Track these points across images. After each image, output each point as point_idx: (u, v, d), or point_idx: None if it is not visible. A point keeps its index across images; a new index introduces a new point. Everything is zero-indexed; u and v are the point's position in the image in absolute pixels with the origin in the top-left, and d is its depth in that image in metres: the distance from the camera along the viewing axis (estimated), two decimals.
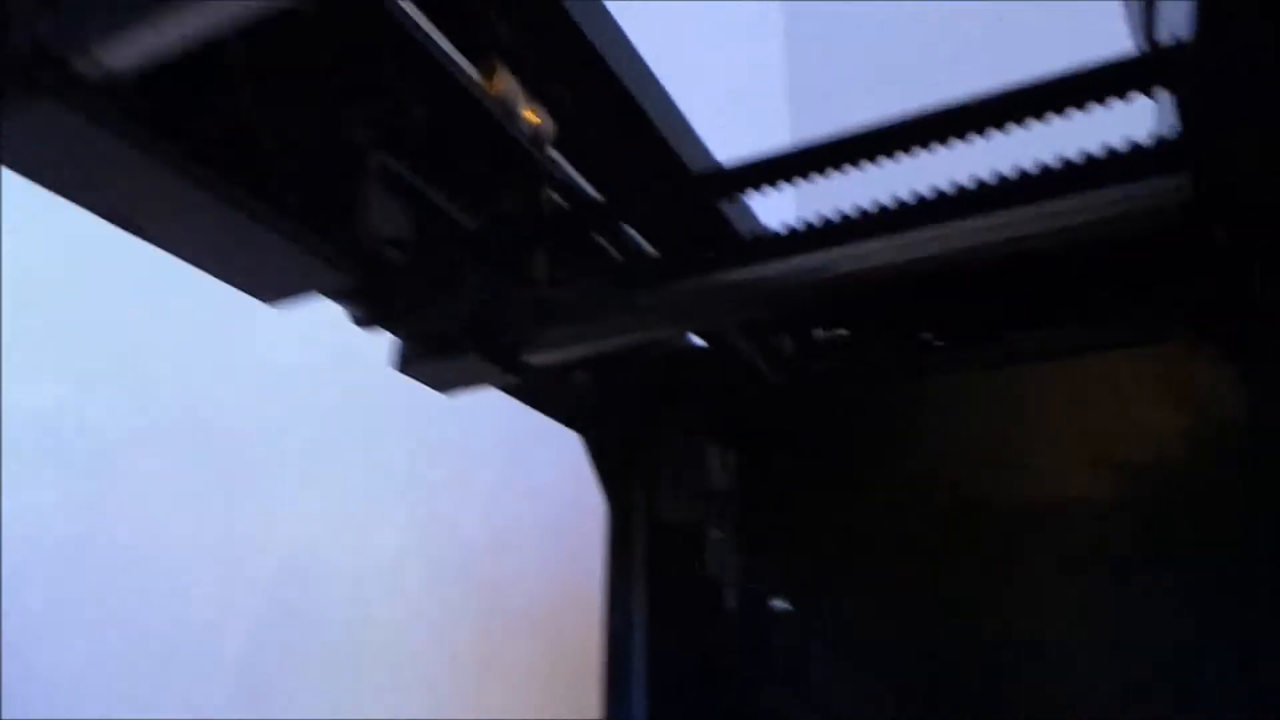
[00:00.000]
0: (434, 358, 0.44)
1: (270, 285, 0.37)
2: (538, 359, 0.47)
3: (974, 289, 0.77)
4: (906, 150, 0.43)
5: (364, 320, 0.43)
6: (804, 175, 0.45)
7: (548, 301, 0.45)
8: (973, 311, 0.79)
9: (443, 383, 0.47)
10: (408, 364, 0.45)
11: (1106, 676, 0.67)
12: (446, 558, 1.21)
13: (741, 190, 0.47)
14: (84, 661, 0.97)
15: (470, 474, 1.27)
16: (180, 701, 0.98)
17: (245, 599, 1.06)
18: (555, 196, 0.49)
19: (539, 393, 0.77)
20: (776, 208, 0.76)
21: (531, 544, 1.26)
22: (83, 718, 0.95)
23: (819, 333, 0.83)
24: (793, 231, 0.44)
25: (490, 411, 1.21)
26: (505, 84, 0.45)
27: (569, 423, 0.81)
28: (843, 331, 0.83)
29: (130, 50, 0.27)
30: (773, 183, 0.46)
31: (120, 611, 0.98)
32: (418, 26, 0.41)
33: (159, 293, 1.06)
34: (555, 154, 0.49)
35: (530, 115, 0.46)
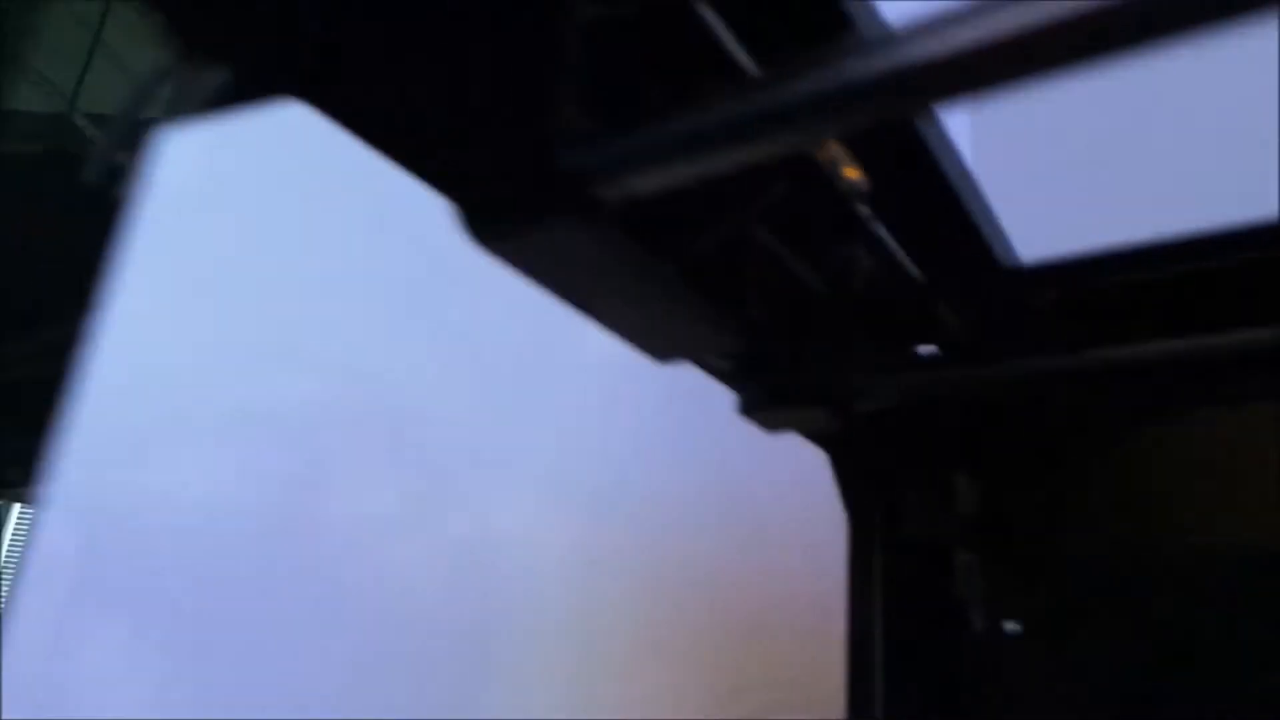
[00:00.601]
0: (777, 408, 0.49)
1: (674, 354, 0.42)
2: (863, 406, 0.51)
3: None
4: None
5: (729, 376, 0.48)
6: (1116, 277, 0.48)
7: (876, 366, 0.49)
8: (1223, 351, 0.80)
9: (777, 427, 0.52)
10: (751, 411, 0.50)
11: None
12: (630, 543, 1.28)
13: (1057, 289, 0.51)
14: (291, 621, 1.08)
15: (655, 466, 1.33)
16: (380, 664, 1.10)
17: (437, 577, 1.16)
18: (870, 261, 0.53)
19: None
20: None
21: (711, 535, 1.31)
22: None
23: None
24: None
25: (700, 419, 1.28)
26: (833, 147, 0.49)
27: (819, 442, 0.85)
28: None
29: (647, 184, 0.32)
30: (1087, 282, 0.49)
31: (323, 573, 1.09)
32: None
33: (382, 293, 1.17)
34: (872, 217, 0.53)
35: (851, 173, 0.50)
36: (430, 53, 0.37)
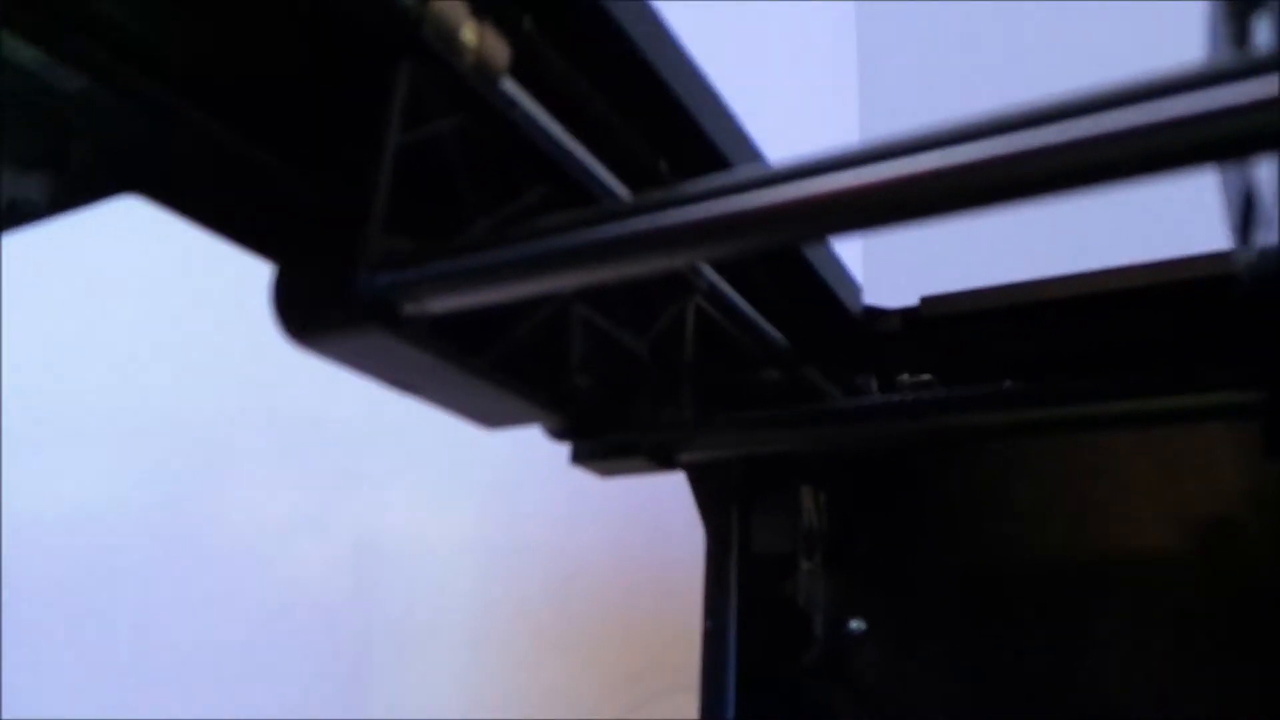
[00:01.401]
0: (604, 459, 0.53)
1: (501, 423, 0.46)
2: (687, 458, 0.56)
3: (1060, 350, 0.84)
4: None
5: (558, 435, 0.52)
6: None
7: (700, 421, 0.54)
8: (1058, 371, 0.87)
9: (607, 473, 0.56)
10: (581, 460, 0.54)
11: None
12: (520, 541, 1.32)
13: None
14: (186, 634, 1.10)
15: (543, 462, 1.37)
16: (273, 672, 1.12)
17: (330, 579, 1.19)
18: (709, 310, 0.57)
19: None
20: None
21: (601, 528, 1.36)
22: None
23: (905, 378, 0.91)
24: None
25: None
26: None
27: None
28: (926, 377, 0.91)
29: (452, 305, 0.35)
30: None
31: (217, 586, 1.11)
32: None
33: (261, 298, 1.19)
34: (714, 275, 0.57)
35: None
36: (256, 166, 0.40)
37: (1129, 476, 0.82)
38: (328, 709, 1.19)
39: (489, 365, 0.41)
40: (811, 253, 0.68)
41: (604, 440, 0.53)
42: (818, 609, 0.87)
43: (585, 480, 1.41)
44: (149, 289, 1.17)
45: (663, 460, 0.54)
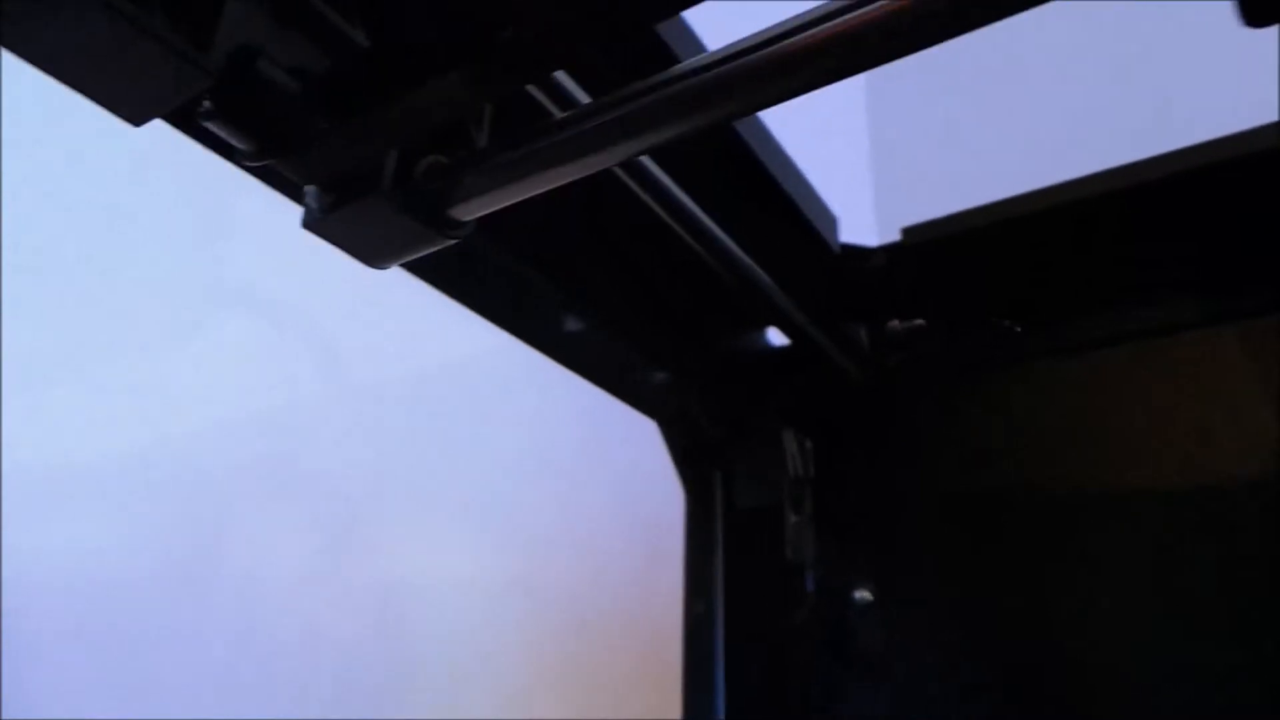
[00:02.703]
0: (345, 211, 0.42)
1: (126, 97, 0.36)
2: (464, 213, 0.43)
3: (1050, 269, 0.78)
4: None
5: (254, 155, 0.41)
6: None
7: (464, 149, 0.42)
8: (1051, 294, 0.79)
9: (372, 256, 0.44)
10: (318, 221, 0.43)
11: (1178, 664, 0.66)
12: (542, 580, 1.22)
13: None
14: (189, 677, 1.03)
15: (569, 498, 1.27)
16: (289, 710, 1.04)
17: (346, 621, 1.11)
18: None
19: (621, 385, 0.78)
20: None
21: (628, 573, 1.23)
22: None
23: (895, 324, 0.83)
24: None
25: (595, 435, 1.21)
26: None
27: (649, 413, 0.82)
28: (920, 322, 0.83)
29: None
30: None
31: (227, 632, 1.04)
32: None
33: (254, 337, 1.18)
34: None
35: None
36: None
37: (1125, 401, 0.74)
38: None
39: None
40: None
41: (334, 176, 0.41)
42: (808, 567, 0.71)
43: (597, 521, 1.28)
44: (159, 344, 1.18)
45: (438, 223, 0.42)
